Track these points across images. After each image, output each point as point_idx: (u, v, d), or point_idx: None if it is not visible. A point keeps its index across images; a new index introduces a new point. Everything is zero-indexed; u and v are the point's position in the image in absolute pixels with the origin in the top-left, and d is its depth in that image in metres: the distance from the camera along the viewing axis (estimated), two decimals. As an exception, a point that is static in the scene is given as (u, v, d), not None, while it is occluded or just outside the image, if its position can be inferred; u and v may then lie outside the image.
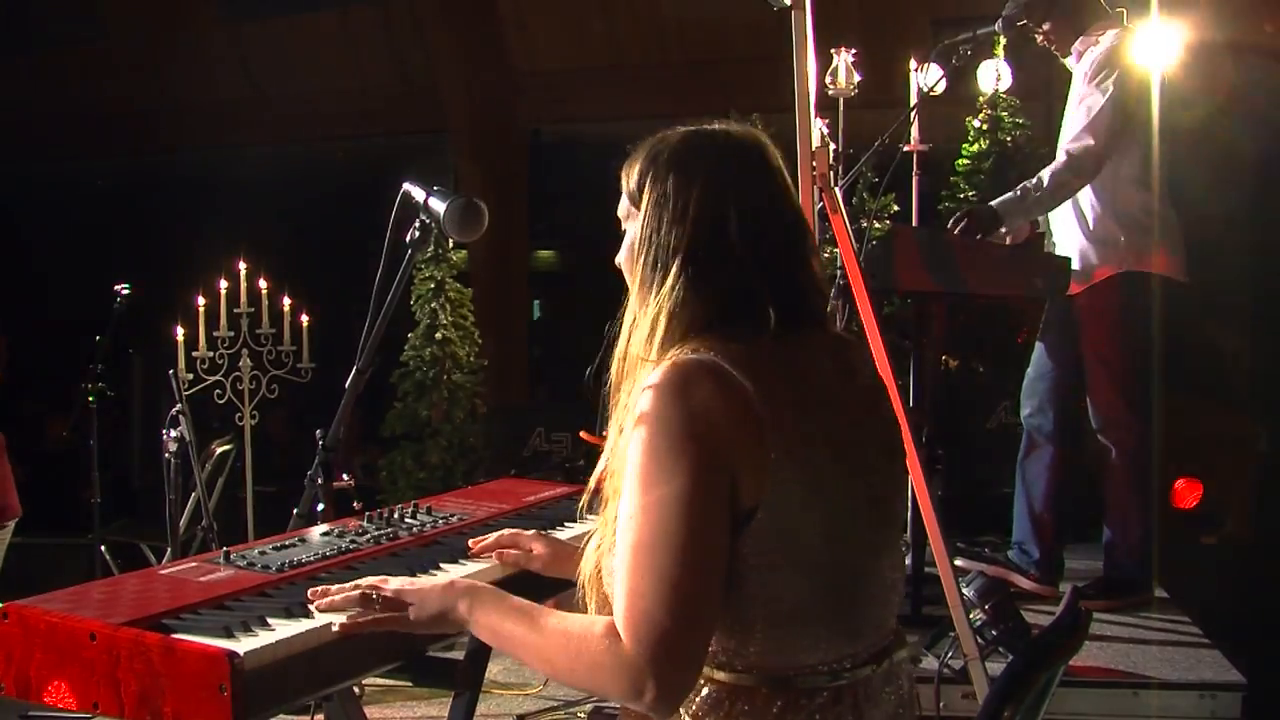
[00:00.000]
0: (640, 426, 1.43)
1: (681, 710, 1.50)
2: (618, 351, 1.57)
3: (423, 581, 1.64)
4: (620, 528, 1.44)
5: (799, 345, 1.54)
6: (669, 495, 1.39)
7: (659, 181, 1.55)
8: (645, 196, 1.56)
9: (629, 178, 1.60)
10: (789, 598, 1.46)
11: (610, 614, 1.44)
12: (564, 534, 2.17)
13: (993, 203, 3.68)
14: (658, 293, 1.52)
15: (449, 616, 1.58)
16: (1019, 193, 3.62)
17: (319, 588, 1.67)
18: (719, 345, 1.47)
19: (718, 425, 1.41)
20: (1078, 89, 3.69)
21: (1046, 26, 3.73)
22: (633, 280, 1.59)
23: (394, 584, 1.63)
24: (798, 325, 1.53)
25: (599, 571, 1.57)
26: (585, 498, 1.66)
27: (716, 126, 1.60)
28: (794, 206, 1.59)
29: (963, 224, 3.63)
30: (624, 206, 1.63)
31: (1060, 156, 3.62)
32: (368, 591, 1.62)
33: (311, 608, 1.65)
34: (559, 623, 1.48)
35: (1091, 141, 3.53)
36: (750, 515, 1.43)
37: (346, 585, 1.64)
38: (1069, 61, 3.83)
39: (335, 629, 1.60)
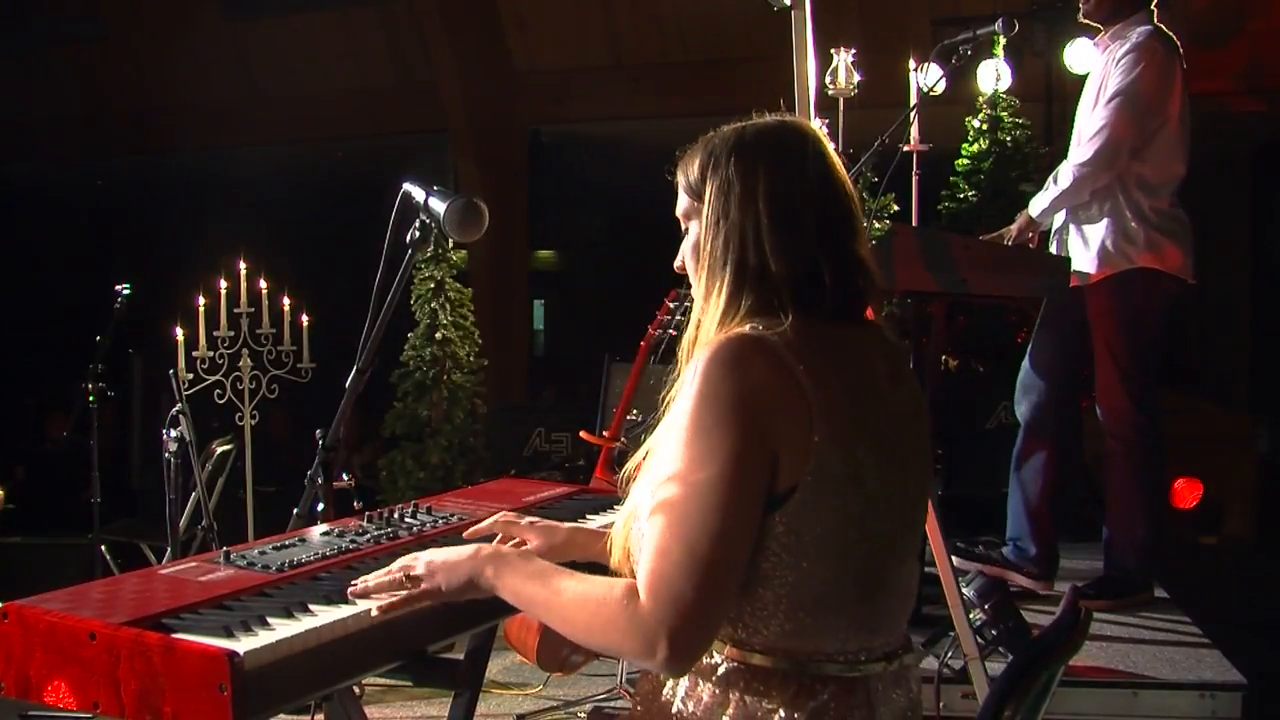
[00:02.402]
0: (689, 397, 1.46)
1: (699, 685, 1.53)
2: (687, 336, 1.59)
3: (449, 552, 1.67)
4: (657, 490, 1.47)
5: (855, 337, 1.58)
6: (709, 468, 1.42)
7: (722, 168, 1.57)
8: (709, 186, 1.58)
9: (688, 174, 1.62)
10: (814, 583, 1.48)
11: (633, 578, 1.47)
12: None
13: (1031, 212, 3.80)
14: (732, 272, 1.54)
15: (477, 583, 1.62)
16: (1046, 190, 3.72)
17: (358, 580, 1.70)
18: (775, 324, 1.50)
19: (765, 403, 1.45)
20: (1097, 81, 3.68)
21: None
22: (700, 270, 1.60)
23: (424, 559, 1.67)
24: (853, 306, 1.57)
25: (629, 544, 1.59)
26: (629, 468, 1.67)
27: (767, 117, 1.63)
28: (848, 186, 1.61)
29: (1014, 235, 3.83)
30: (683, 205, 1.65)
31: (1079, 154, 3.61)
32: (399, 576, 1.66)
33: (349, 595, 1.68)
34: (579, 583, 1.52)
35: (1105, 144, 3.54)
36: (788, 495, 1.46)
37: (380, 571, 1.69)
38: (1084, 56, 3.82)
39: (374, 614, 1.64)
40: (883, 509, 1.53)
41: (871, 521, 1.51)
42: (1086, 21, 3.82)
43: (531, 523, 1.94)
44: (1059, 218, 3.81)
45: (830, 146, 1.63)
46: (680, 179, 1.64)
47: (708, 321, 1.56)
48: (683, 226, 1.67)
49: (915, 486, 1.61)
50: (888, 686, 1.56)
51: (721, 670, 1.52)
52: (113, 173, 10.78)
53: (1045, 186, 3.75)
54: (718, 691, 1.52)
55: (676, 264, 1.70)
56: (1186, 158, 3.67)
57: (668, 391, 1.57)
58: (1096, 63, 3.75)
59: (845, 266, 1.56)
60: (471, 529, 1.96)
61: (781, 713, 1.49)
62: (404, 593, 1.66)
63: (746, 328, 1.51)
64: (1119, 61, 3.58)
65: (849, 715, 1.51)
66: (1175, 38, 3.65)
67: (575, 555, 1.92)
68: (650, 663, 1.44)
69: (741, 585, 1.48)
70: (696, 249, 1.61)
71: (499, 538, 1.93)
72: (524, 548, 1.93)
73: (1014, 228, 3.87)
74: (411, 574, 1.66)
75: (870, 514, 1.51)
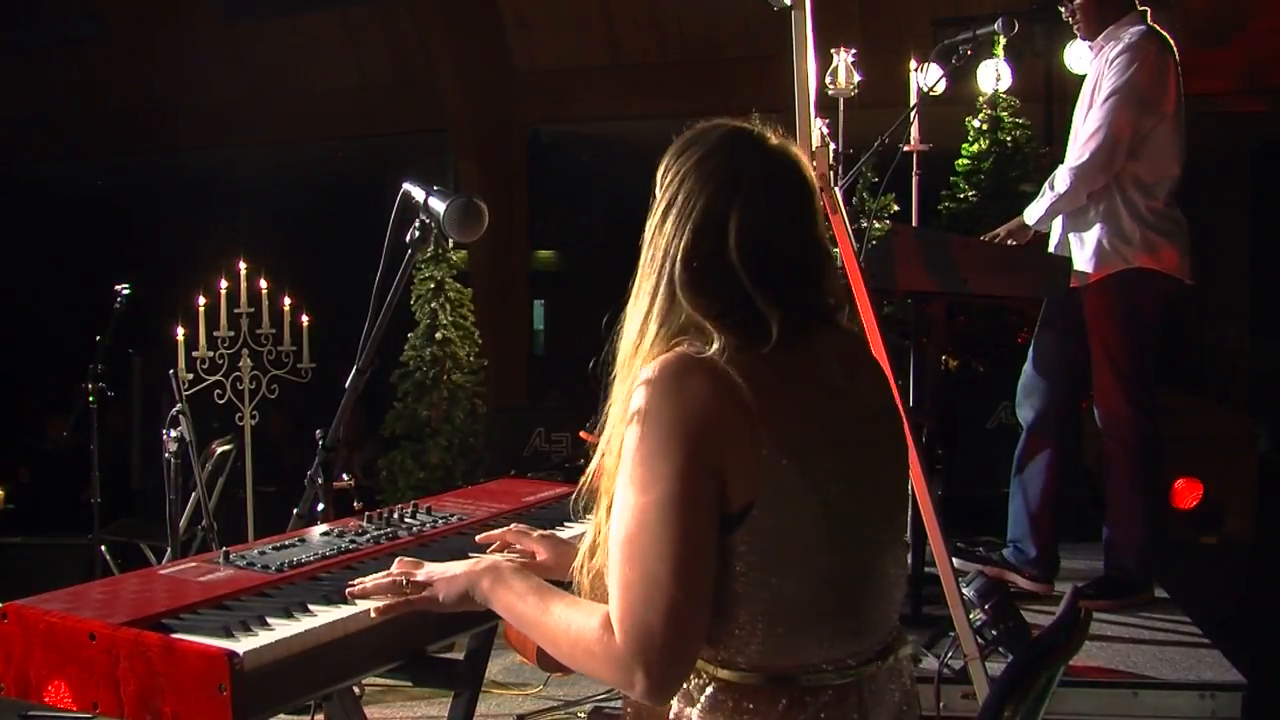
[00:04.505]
0: (633, 422, 1.44)
1: (688, 709, 1.52)
2: (617, 351, 1.58)
3: (452, 565, 1.68)
4: (613, 521, 1.46)
5: (801, 349, 1.53)
6: (657, 493, 1.41)
7: (673, 182, 1.54)
8: (659, 194, 1.56)
9: (659, 167, 1.59)
10: (790, 596, 1.47)
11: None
12: (564, 534, 2.17)
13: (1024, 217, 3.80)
14: (652, 294, 1.52)
15: (473, 595, 1.63)
16: (1042, 197, 3.71)
17: (356, 580, 1.71)
18: (713, 343, 1.46)
19: (707, 423, 1.42)
20: (1092, 83, 3.68)
21: (1078, 1, 3.72)
22: (637, 275, 1.58)
23: (425, 568, 1.69)
24: (799, 335, 1.52)
25: (591, 572, 1.60)
26: (579, 498, 1.68)
27: (756, 133, 1.57)
28: (811, 228, 1.56)
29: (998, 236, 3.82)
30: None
31: (1074, 157, 3.61)
32: (399, 578, 1.67)
33: (347, 595, 1.70)
34: (566, 608, 1.52)
35: (1101, 144, 3.54)
36: (744, 512, 1.44)
37: (380, 574, 1.70)
38: (1084, 58, 3.83)
39: (372, 615, 1.66)
40: (850, 512, 1.50)
41: (839, 527, 1.49)
42: (1085, 40, 3.82)
43: (542, 535, 1.94)
44: (1057, 218, 3.81)
45: (812, 179, 1.57)
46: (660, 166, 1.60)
47: (629, 334, 1.53)
48: None
49: (888, 479, 1.59)
50: (881, 685, 1.55)
51: (710, 690, 1.51)
52: (113, 173, 10.78)
53: (1041, 192, 3.73)
54: (706, 714, 1.50)
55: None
56: (1181, 158, 3.65)
57: (605, 407, 1.56)
58: (1091, 65, 3.75)
59: (784, 304, 1.50)
60: (483, 535, 1.97)
61: None
62: (402, 598, 1.67)
63: (685, 346, 1.47)
64: (1112, 62, 3.57)
65: None
66: (1169, 37, 3.65)
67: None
68: (630, 693, 1.44)
69: (716, 608, 1.46)
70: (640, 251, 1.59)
71: (496, 546, 1.93)
72: (532, 560, 1.92)
73: (1003, 229, 3.87)
74: (411, 579, 1.67)
75: (836, 520, 1.48)
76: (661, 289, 1.51)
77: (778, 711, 1.48)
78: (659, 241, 1.53)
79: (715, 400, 1.43)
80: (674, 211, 1.52)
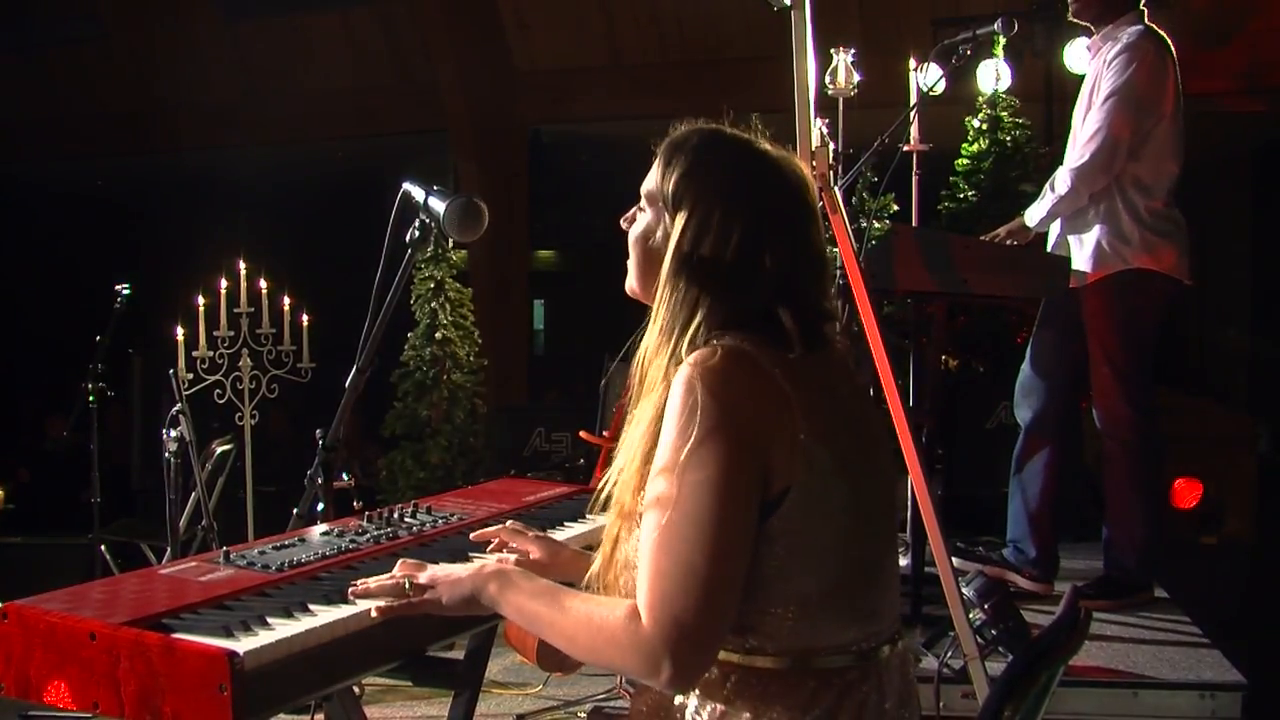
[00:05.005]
0: (674, 412, 1.46)
1: (709, 701, 1.53)
2: (639, 355, 1.60)
3: (455, 568, 1.68)
4: (649, 508, 1.47)
5: (818, 351, 1.58)
6: (700, 481, 1.43)
7: (703, 203, 1.55)
8: (685, 210, 1.56)
9: (668, 175, 1.59)
10: (820, 580, 1.49)
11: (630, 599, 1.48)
12: (563, 534, 2.18)
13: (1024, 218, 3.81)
14: (684, 307, 1.54)
15: (479, 599, 1.63)
16: (1043, 199, 3.71)
17: (359, 581, 1.70)
18: (745, 339, 1.50)
19: (751, 410, 1.45)
20: (1091, 83, 3.68)
21: None
22: (654, 281, 1.59)
23: (428, 571, 1.68)
24: (817, 339, 1.58)
25: (605, 580, 1.62)
26: (600, 496, 1.67)
27: (765, 148, 1.60)
28: (820, 239, 1.61)
29: (999, 235, 3.83)
30: (651, 188, 1.62)
31: (1075, 159, 3.61)
32: (401, 581, 1.67)
33: (350, 594, 1.69)
34: (583, 603, 1.53)
35: (1102, 145, 3.54)
36: (781, 497, 1.47)
37: (384, 576, 1.69)
38: (1083, 57, 3.82)
39: (374, 614, 1.66)
40: (868, 497, 1.55)
41: (861, 510, 1.53)
42: (1076, 21, 3.81)
43: (537, 536, 1.95)
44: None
45: (816, 192, 1.63)
46: (661, 164, 1.61)
47: (663, 353, 1.55)
48: (640, 203, 1.65)
49: (888, 474, 1.65)
50: (893, 669, 1.58)
51: (734, 677, 1.52)
52: (113, 173, 10.78)
53: (1042, 194, 3.73)
54: (732, 700, 1.52)
55: (630, 238, 1.66)
56: (1181, 158, 3.65)
57: (631, 409, 1.58)
58: (1089, 66, 3.74)
59: (806, 316, 1.56)
60: (479, 532, 1.96)
61: (798, 715, 1.49)
62: (404, 600, 1.66)
63: (716, 341, 1.51)
64: (1110, 63, 3.57)
65: (864, 701, 1.52)
66: (1167, 36, 3.64)
67: (574, 577, 1.92)
68: (654, 682, 1.45)
69: (747, 594, 1.47)
70: (646, 252, 1.62)
71: (495, 545, 1.94)
72: (526, 559, 1.93)
73: (1003, 229, 3.87)
74: (415, 582, 1.67)
75: (859, 503, 1.53)
76: (694, 307, 1.54)
77: (805, 693, 1.50)
78: (691, 263, 1.54)
79: (757, 388, 1.47)
80: (708, 238, 1.54)
